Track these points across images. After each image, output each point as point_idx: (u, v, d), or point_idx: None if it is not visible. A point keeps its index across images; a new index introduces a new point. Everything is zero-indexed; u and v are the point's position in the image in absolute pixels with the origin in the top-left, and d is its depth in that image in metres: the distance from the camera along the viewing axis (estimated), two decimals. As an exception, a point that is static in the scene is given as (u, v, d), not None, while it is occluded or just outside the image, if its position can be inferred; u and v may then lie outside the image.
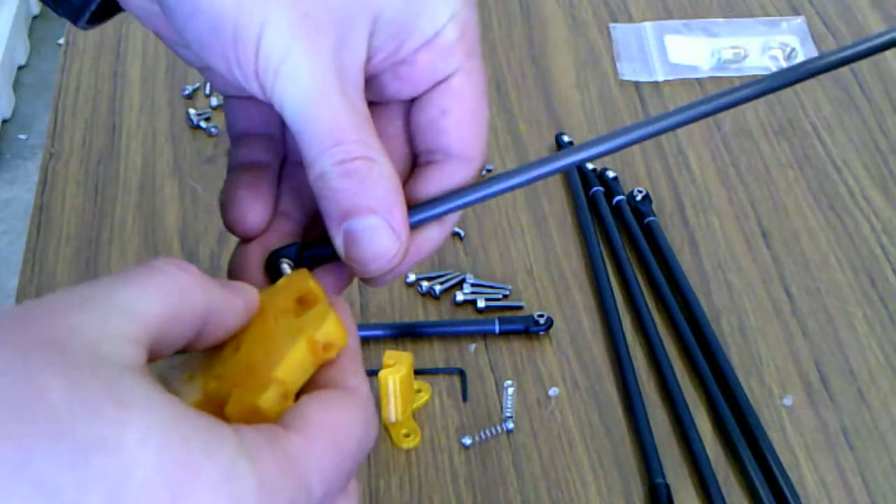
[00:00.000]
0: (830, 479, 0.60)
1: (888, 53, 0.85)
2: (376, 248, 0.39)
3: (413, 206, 0.42)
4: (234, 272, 0.42)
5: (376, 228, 0.39)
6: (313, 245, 0.42)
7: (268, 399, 0.35)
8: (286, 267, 0.41)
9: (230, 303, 0.36)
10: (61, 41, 0.90)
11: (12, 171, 2.11)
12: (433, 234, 0.43)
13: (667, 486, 0.59)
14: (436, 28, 0.41)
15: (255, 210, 0.42)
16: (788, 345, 0.66)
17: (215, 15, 0.38)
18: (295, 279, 0.39)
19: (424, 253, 0.42)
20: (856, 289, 0.69)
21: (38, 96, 2.25)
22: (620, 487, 0.60)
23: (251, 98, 0.43)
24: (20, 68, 2.31)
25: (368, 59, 0.41)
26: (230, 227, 0.43)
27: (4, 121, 2.19)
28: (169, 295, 0.33)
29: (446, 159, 0.43)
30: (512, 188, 0.43)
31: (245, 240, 0.43)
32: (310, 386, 0.37)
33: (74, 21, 0.43)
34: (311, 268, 0.41)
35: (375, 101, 0.44)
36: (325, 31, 0.39)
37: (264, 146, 0.45)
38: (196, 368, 0.38)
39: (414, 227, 0.42)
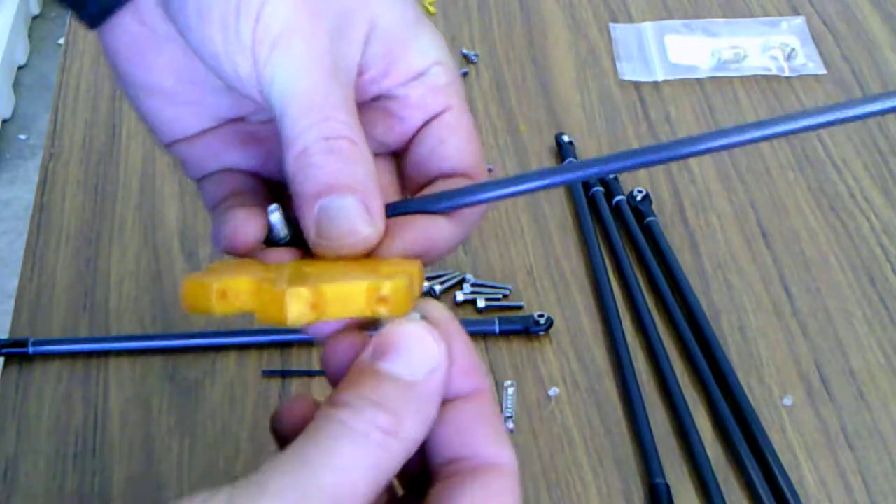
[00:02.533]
0: (830, 479, 0.60)
1: (889, 53, 0.85)
2: (350, 227, 0.38)
3: (416, 198, 0.42)
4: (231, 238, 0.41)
5: (352, 208, 0.38)
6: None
7: (296, 294, 0.34)
8: (277, 215, 0.40)
9: None
10: (61, 41, 0.90)
11: (12, 171, 2.11)
12: (444, 229, 0.41)
13: (667, 486, 0.59)
14: (424, 64, 0.43)
15: (249, 222, 0.41)
16: (788, 345, 0.66)
17: None
18: (406, 263, 0.39)
19: (435, 243, 0.41)
20: (856, 289, 0.69)
21: (38, 96, 2.25)
22: (620, 487, 0.60)
23: (227, 169, 0.44)
24: (20, 68, 2.31)
25: (361, 73, 0.41)
26: (226, 246, 0.41)
27: (4, 121, 2.19)
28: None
29: (451, 178, 0.43)
30: (531, 190, 0.41)
31: (240, 255, 0.41)
32: (437, 459, 0.35)
33: (91, 26, 0.43)
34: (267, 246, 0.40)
35: None
36: (325, 16, 0.39)
37: (251, 195, 0.44)
38: (277, 265, 0.38)
39: (424, 213, 0.41)
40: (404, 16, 0.42)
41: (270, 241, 0.40)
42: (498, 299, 0.68)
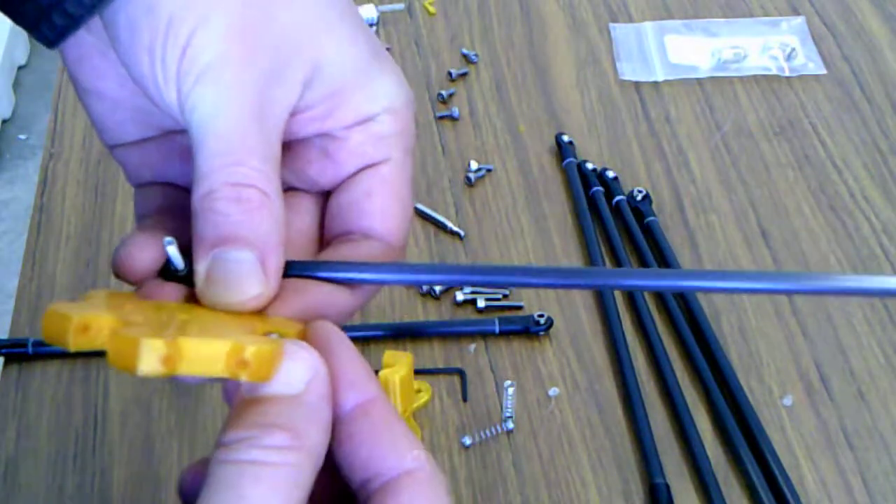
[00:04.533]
0: (830, 479, 0.60)
1: (889, 53, 0.85)
2: (240, 285, 0.36)
3: (319, 261, 0.40)
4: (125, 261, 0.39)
5: (248, 264, 0.36)
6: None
7: (150, 345, 0.31)
8: (172, 248, 0.38)
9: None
10: (61, 41, 0.90)
11: (12, 171, 2.11)
12: (339, 298, 0.39)
13: (667, 486, 0.59)
14: (370, 110, 0.41)
15: (144, 250, 0.39)
16: (788, 345, 0.66)
17: None
18: (288, 324, 0.37)
19: (326, 311, 0.39)
20: (856, 289, 0.69)
21: (38, 96, 2.25)
22: (620, 487, 0.60)
23: (162, 183, 0.42)
24: (20, 68, 2.31)
25: (299, 112, 0.39)
26: (118, 269, 0.39)
27: (4, 121, 2.19)
28: None
29: (366, 239, 0.41)
30: (429, 282, 0.40)
31: (130, 282, 0.39)
32: (354, 484, 0.34)
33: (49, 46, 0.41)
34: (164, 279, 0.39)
35: (293, 188, 0.42)
36: (263, 51, 0.37)
37: (173, 218, 0.42)
38: (153, 304, 0.37)
39: (319, 280, 0.39)
40: (358, 56, 0.40)
41: (168, 272, 0.39)
42: (498, 299, 0.68)
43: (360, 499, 0.34)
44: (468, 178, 0.76)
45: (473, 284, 0.39)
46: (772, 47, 0.85)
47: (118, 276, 0.39)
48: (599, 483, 0.60)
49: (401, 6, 0.89)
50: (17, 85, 2.27)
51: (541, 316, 0.66)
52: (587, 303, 0.68)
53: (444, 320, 0.67)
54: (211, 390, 0.64)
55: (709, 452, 0.61)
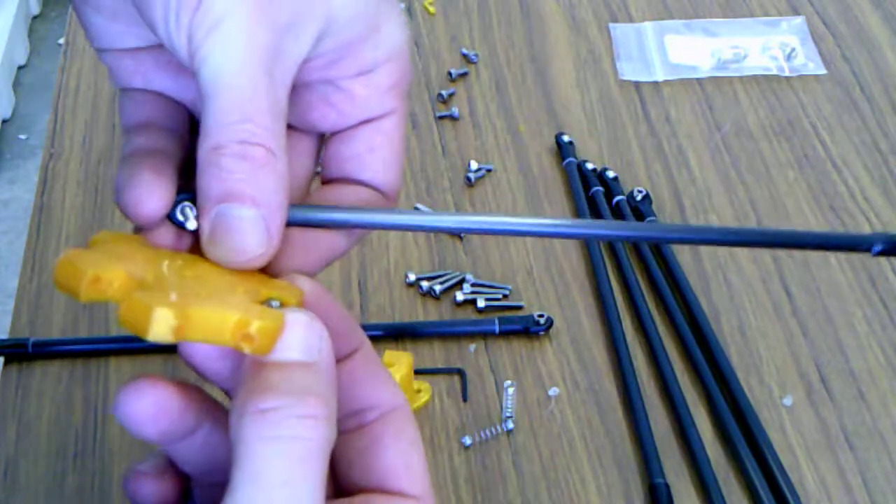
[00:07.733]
0: (830, 479, 0.60)
1: (889, 53, 0.85)
2: (243, 242, 0.36)
3: (320, 205, 0.41)
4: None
5: (251, 221, 0.36)
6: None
7: (162, 314, 0.33)
8: (188, 210, 0.38)
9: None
10: (61, 41, 0.90)
11: (12, 171, 2.11)
12: (339, 242, 0.41)
13: (667, 486, 0.59)
14: (374, 60, 0.41)
15: (155, 193, 0.38)
16: (788, 345, 0.66)
17: None
18: (289, 289, 0.38)
19: (325, 257, 0.40)
20: (856, 289, 0.69)
21: (38, 96, 2.25)
22: (620, 487, 0.60)
23: (152, 92, 0.42)
24: (20, 68, 2.31)
25: (307, 60, 0.39)
26: (125, 210, 0.38)
27: (4, 121, 2.19)
28: None
29: (363, 186, 0.42)
30: (419, 229, 0.41)
31: (141, 228, 0.38)
32: (354, 478, 0.38)
33: None
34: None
35: (293, 127, 0.42)
36: (279, 5, 0.37)
37: (166, 136, 0.41)
38: (161, 254, 0.37)
39: (319, 226, 0.40)
40: (367, 6, 0.40)
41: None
42: (498, 299, 0.68)
43: (349, 426, 0.38)
44: (468, 178, 0.76)
45: (457, 233, 0.41)
46: (772, 47, 0.85)
47: (127, 218, 0.39)
48: (599, 483, 0.60)
49: (401, 6, 0.89)
50: (17, 85, 2.27)
51: (541, 316, 0.66)
52: (587, 303, 0.68)
53: (444, 320, 0.67)
54: (211, 392, 0.64)
55: (709, 452, 0.61)
